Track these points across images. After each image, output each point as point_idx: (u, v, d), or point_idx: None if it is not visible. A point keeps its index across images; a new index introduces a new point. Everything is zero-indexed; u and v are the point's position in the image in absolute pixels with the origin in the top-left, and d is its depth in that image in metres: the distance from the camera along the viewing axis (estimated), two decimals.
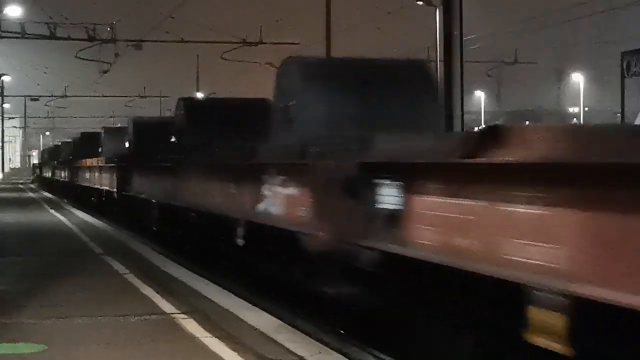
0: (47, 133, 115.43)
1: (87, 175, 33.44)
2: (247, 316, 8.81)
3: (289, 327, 8.40)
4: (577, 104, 76.56)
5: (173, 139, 18.16)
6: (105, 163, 27.83)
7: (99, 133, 35.68)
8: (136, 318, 8.72)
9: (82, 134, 43.12)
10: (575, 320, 4.97)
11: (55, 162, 54.54)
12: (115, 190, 25.05)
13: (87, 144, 36.36)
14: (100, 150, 32.13)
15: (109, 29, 32.50)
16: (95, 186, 30.17)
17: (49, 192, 49.76)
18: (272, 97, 12.31)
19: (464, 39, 16.55)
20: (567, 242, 4.98)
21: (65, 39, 32.00)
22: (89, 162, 33.26)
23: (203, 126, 17.06)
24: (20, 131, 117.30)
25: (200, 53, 59.58)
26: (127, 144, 25.10)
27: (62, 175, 47.22)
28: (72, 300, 9.93)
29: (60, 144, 57.81)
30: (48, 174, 61.31)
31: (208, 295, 10.21)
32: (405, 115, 10.90)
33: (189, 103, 18.98)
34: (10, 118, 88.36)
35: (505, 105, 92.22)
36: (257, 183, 11.02)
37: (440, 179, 6.50)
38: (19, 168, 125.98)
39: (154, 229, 19.56)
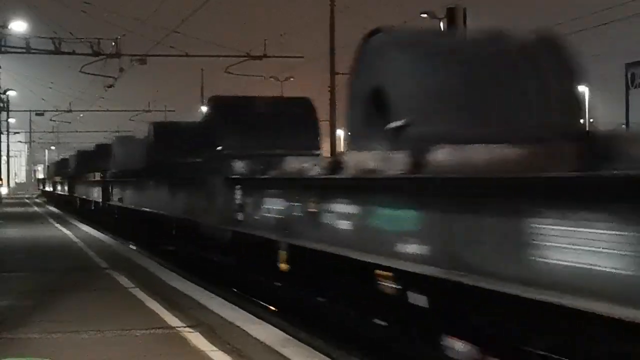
0: (53, 147, 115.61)
1: (99, 188, 33.02)
2: (253, 329, 8.79)
3: (295, 341, 8.37)
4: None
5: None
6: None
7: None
8: (142, 332, 8.70)
9: (97, 145, 42.12)
10: None
11: (63, 176, 54.19)
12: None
13: (100, 155, 35.36)
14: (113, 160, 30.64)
15: (113, 43, 32.49)
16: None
17: (55, 206, 49.78)
18: (350, 81, 9.48)
19: None
20: None
21: (70, 53, 31.99)
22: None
23: (236, 129, 14.65)
24: (26, 146, 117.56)
25: (204, 67, 59.69)
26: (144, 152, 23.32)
27: (70, 189, 47.03)
28: (78, 314, 9.92)
29: (68, 157, 57.47)
30: (55, 189, 61.15)
31: (213, 309, 10.20)
32: (540, 103, 8.31)
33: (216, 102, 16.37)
34: (15, 133, 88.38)
35: None
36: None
37: None
38: (24, 183, 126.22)
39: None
